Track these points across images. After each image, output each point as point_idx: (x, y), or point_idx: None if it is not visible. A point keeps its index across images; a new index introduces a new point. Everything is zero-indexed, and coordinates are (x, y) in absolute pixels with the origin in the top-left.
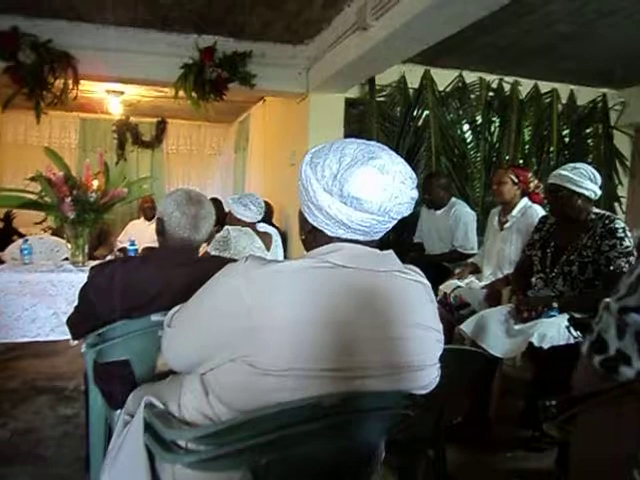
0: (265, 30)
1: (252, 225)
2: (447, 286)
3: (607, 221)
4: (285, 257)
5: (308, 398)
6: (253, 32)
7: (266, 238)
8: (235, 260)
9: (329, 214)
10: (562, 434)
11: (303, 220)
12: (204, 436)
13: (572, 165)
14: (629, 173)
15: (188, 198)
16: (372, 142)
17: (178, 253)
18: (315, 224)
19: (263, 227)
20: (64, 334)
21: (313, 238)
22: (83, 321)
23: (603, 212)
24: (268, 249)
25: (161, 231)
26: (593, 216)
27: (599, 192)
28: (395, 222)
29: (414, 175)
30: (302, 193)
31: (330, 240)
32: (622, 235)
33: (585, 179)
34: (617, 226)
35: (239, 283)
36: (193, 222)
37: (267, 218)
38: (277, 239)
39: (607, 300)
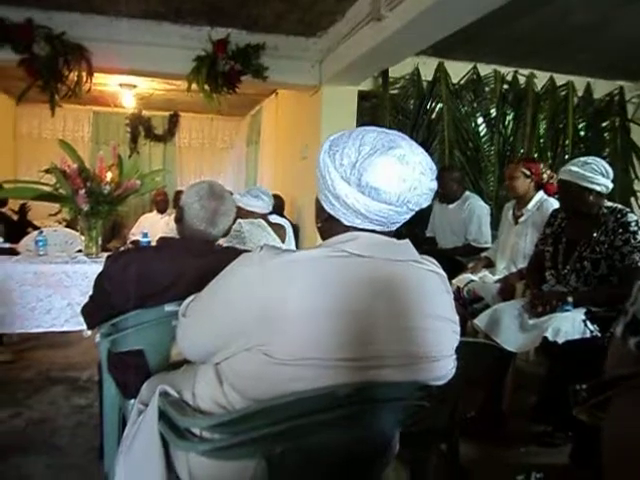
0: (278, 22)
1: (264, 217)
2: (460, 280)
3: (619, 215)
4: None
5: (323, 388)
6: (266, 24)
7: (279, 229)
8: (250, 250)
9: (346, 203)
10: (592, 419)
11: (320, 208)
12: (218, 424)
13: (583, 160)
14: None
15: (211, 192)
16: (392, 131)
17: (193, 244)
18: (332, 213)
19: (275, 219)
20: (78, 325)
21: (329, 227)
22: (98, 310)
23: (615, 205)
24: (282, 241)
25: (180, 219)
26: (605, 210)
27: (611, 186)
28: (413, 213)
29: (434, 166)
30: (319, 181)
31: (346, 229)
32: (635, 229)
33: (597, 174)
34: (630, 220)
35: (254, 272)
36: (211, 217)
37: (279, 211)
38: (289, 231)
39: None
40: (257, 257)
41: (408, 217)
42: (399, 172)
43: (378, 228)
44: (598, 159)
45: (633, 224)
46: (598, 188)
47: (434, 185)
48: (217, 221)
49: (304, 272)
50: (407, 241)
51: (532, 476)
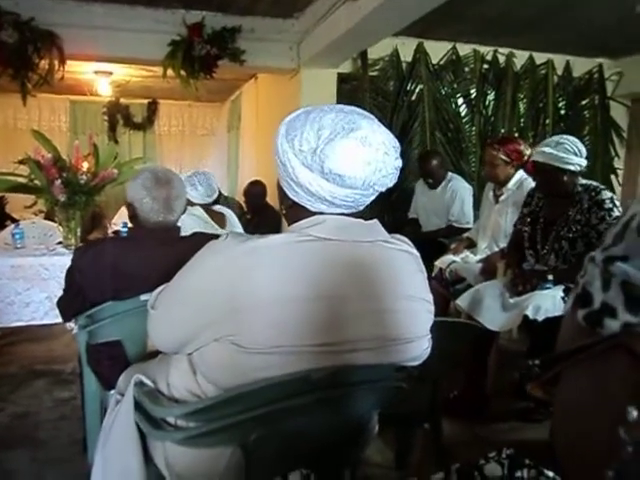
0: (253, 4)
1: (205, 206)
2: (443, 261)
3: (593, 193)
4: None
5: (296, 372)
6: (241, 6)
7: (220, 218)
8: (217, 237)
9: (310, 190)
10: (546, 395)
11: (283, 195)
12: (192, 412)
13: (555, 140)
14: (626, 144)
15: (156, 180)
16: (351, 108)
17: (157, 233)
18: (296, 199)
19: (219, 208)
20: (58, 317)
21: (295, 213)
22: (72, 303)
23: (589, 183)
24: (222, 228)
25: (133, 216)
26: (579, 188)
27: (585, 164)
28: (378, 193)
29: (397, 143)
30: (280, 168)
31: (312, 214)
32: (610, 206)
33: (570, 154)
34: (604, 197)
35: (220, 261)
36: (166, 205)
37: (260, 198)
38: (232, 219)
39: (592, 253)
40: (223, 245)
41: (374, 197)
42: (362, 155)
43: (346, 211)
44: (571, 138)
45: (608, 201)
46: (572, 168)
47: (399, 163)
48: (173, 207)
49: (271, 258)
50: (375, 221)
51: (503, 452)
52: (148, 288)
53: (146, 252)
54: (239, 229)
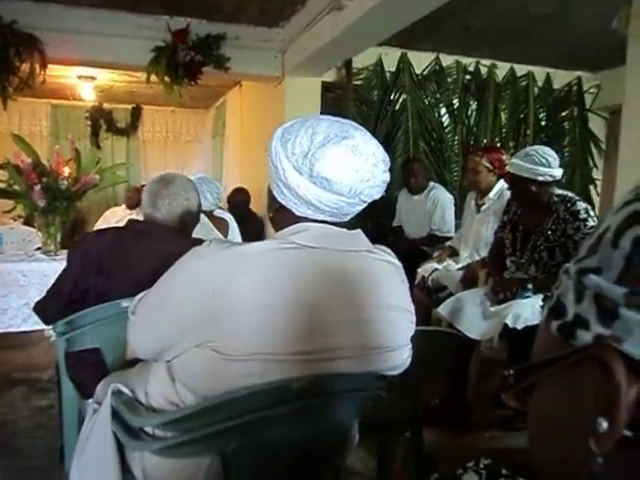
0: (239, 11)
1: (206, 213)
2: (425, 269)
3: (569, 204)
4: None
5: (276, 381)
6: (226, 14)
7: (222, 224)
8: (200, 242)
9: (297, 193)
10: (521, 405)
11: (272, 198)
12: (170, 422)
13: (525, 151)
14: (604, 156)
15: (160, 178)
16: (347, 120)
17: (154, 227)
18: (283, 202)
19: (220, 213)
20: (37, 324)
21: (281, 217)
22: (54, 299)
23: (565, 194)
24: (225, 236)
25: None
26: (555, 198)
27: (557, 174)
28: (365, 205)
29: (387, 158)
30: (271, 170)
31: (297, 220)
32: (585, 216)
33: (537, 165)
34: (579, 208)
35: (203, 267)
36: (152, 199)
37: (244, 206)
38: (232, 224)
39: (567, 265)
40: (206, 251)
41: (360, 209)
42: (352, 163)
43: (330, 219)
44: (542, 149)
45: (582, 212)
46: (540, 178)
47: (387, 177)
48: (157, 203)
49: (254, 265)
50: (359, 231)
51: (481, 462)
52: (130, 278)
53: (136, 243)
54: (238, 235)
